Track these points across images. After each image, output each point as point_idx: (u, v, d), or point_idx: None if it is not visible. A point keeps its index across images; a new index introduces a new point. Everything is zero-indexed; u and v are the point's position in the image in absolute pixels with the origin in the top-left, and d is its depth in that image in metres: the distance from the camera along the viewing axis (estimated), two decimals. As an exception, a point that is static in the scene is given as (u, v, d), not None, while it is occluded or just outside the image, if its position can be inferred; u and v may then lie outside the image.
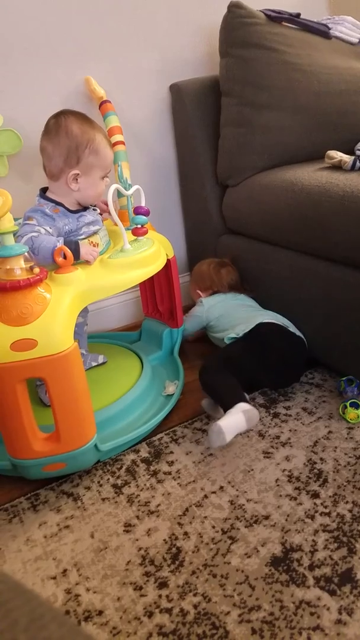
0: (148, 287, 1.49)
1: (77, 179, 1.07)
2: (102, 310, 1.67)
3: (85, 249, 1.03)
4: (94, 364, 1.30)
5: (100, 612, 0.77)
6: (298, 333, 1.26)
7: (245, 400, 1.05)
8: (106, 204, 1.10)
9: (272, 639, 0.70)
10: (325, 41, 1.48)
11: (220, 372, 1.14)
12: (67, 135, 1.06)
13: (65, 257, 0.95)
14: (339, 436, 1.08)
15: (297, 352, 1.24)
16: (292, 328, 1.27)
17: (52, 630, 0.21)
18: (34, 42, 1.34)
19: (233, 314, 1.35)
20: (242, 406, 1.03)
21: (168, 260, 1.28)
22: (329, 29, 1.50)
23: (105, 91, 1.42)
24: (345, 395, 1.17)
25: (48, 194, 1.11)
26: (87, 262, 1.03)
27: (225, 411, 1.04)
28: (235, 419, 1.00)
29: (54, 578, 0.83)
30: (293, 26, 1.44)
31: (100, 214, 1.20)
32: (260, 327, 1.23)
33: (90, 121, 1.10)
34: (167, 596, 0.78)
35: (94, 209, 1.17)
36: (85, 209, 1.14)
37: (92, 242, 1.09)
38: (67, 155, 1.06)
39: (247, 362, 1.18)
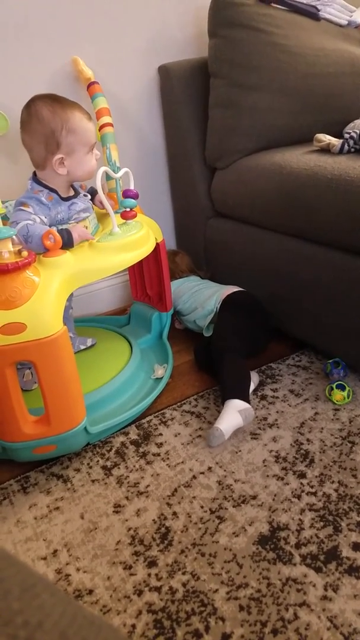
0: (137, 271, 1.49)
1: (63, 163, 1.06)
2: (91, 294, 1.66)
3: (77, 232, 1.02)
4: (82, 347, 1.30)
5: (90, 591, 0.78)
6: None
7: (243, 397, 1.07)
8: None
9: (259, 615, 0.72)
10: (314, 23, 1.47)
11: (225, 357, 1.17)
12: (40, 122, 1.03)
13: (54, 240, 0.94)
14: (325, 417, 1.09)
15: (263, 314, 1.33)
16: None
17: (45, 599, 0.21)
18: (20, 23, 1.31)
19: (196, 294, 1.42)
20: (238, 405, 1.05)
21: (157, 244, 1.27)
22: (318, 10, 1.48)
23: (93, 72, 1.39)
24: (331, 377, 1.19)
25: (40, 179, 1.09)
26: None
27: (223, 400, 1.07)
28: (233, 419, 1.04)
29: (45, 558, 0.84)
30: (282, 7, 1.42)
31: (92, 200, 1.19)
32: (227, 300, 1.32)
33: (60, 101, 1.06)
34: (157, 575, 0.79)
35: (84, 195, 1.16)
36: (76, 195, 1.13)
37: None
38: (46, 143, 1.04)
39: (239, 331, 1.25)
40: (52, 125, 1.03)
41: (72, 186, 1.14)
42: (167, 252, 1.56)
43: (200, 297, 1.39)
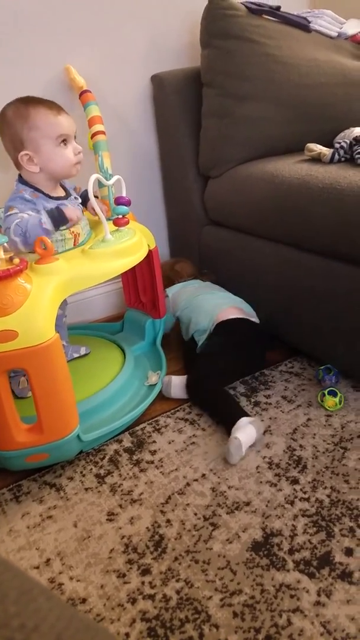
0: (130, 278, 1.49)
1: (31, 159, 1.05)
2: (85, 302, 1.66)
3: (69, 210, 1.03)
4: (75, 355, 1.29)
5: (83, 600, 0.78)
6: (254, 319, 1.32)
7: (246, 414, 1.08)
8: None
9: (253, 621, 0.72)
10: (305, 34, 1.49)
11: (213, 389, 1.18)
12: (5, 124, 1.05)
13: (45, 247, 0.94)
14: (318, 423, 1.10)
15: (258, 342, 1.31)
16: (249, 311, 1.34)
17: (41, 603, 0.22)
18: (13, 29, 1.32)
19: (194, 302, 1.38)
20: (246, 419, 1.06)
21: (150, 250, 1.28)
22: (309, 22, 1.51)
23: (86, 80, 1.40)
24: (323, 384, 1.19)
25: (25, 179, 1.10)
26: (73, 221, 1.05)
27: (229, 427, 1.06)
28: (248, 432, 1.03)
29: (37, 567, 0.84)
30: (273, 19, 1.44)
31: (82, 204, 1.19)
32: (222, 326, 1.27)
33: (27, 100, 1.05)
34: (150, 582, 0.79)
35: (75, 198, 1.16)
36: (67, 197, 1.13)
37: (73, 232, 1.09)
38: (12, 142, 1.05)
39: (227, 362, 1.24)
40: (14, 124, 1.03)
41: (63, 187, 1.15)
42: (168, 261, 1.57)
43: (197, 310, 1.35)
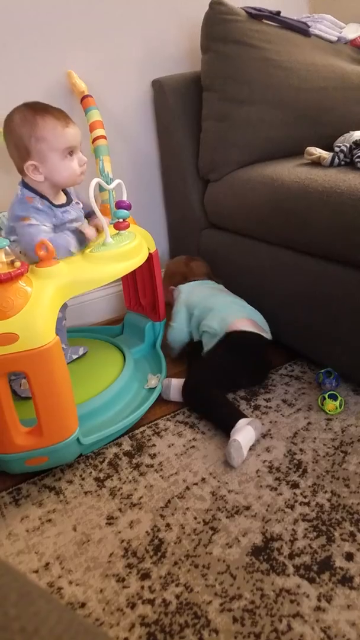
0: (130, 281, 1.49)
1: (37, 169, 1.04)
2: (85, 304, 1.66)
3: (89, 231, 1.09)
4: (74, 356, 1.29)
5: (83, 604, 0.77)
6: (267, 335, 1.28)
7: (243, 416, 1.08)
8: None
9: (253, 627, 0.71)
10: (304, 39, 1.49)
11: (210, 393, 1.17)
12: (11, 130, 1.03)
13: (47, 250, 0.94)
14: (318, 427, 1.10)
15: (266, 361, 1.30)
16: (264, 326, 1.29)
17: (41, 606, 0.21)
18: (14, 34, 1.33)
19: (209, 304, 1.32)
20: (244, 421, 1.06)
21: (150, 254, 1.28)
22: (309, 27, 1.51)
23: (88, 85, 1.41)
24: (323, 387, 1.19)
25: (28, 184, 1.09)
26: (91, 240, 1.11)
27: (228, 430, 1.06)
28: (247, 433, 1.03)
29: (37, 571, 0.83)
30: (273, 24, 1.45)
31: (83, 209, 1.19)
32: (234, 336, 1.23)
33: (35, 108, 1.03)
34: (150, 587, 0.79)
35: (77, 203, 1.16)
36: (69, 203, 1.13)
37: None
38: (18, 150, 1.04)
39: (228, 373, 1.22)
40: (21, 133, 1.02)
41: (66, 193, 1.15)
42: (182, 258, 1.52)
43: (210, 312, 1.29)
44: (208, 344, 1.27)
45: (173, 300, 1.43)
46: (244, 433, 1.03)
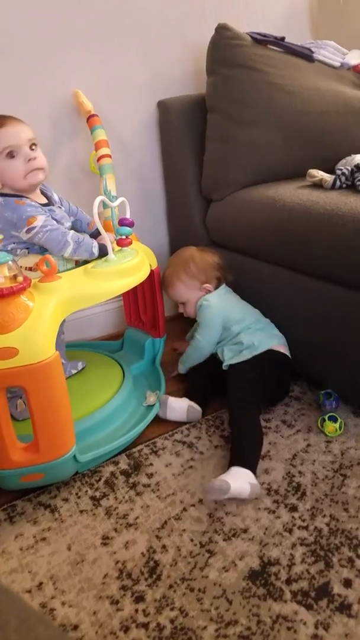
0: (131, 297, 1.50)
1: None
2: (85, 319, 1.66)
3: (106, 242, 1.10)
4: (74, 371, 1.29)
5: (75, 627, 0.76)
6: (288, 353, 1.26)
7: (255, 472, 1.00)
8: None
9: (248, 653, 0.70)
10: (308, 64, 1.52)
11: (249, 410, 1.11)
12: None
13: (49, 265, 0.95)
14: (318, 449, 1.09)
15: (289, 378, 1.28)
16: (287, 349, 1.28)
17: (40, 632, 0.21)
18: (22, 53, 1.35)
19: (248, 315, 1.27)
20: (251, 477, 0.98)
21: (152, 270, 1.29)
22: (312, 52, 1.54)
23: (94, 105, 1.43)
24: (323, 409, 1.18)
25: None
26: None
27: (236, 461, 1.00)
28: (243, 486, 0.95)
29: (29, 591, 0.82)
30: (278, 49, 1.48)
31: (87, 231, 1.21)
32: (270, 353, 1.22)
33: None
34: (144, 610, 0.77)
35: (59, 207, 1.17)
36: (50, 204, 1.14)
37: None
38: None
39: (267, 384, 1.20)
40: None
41: (46, 195, 1.16)
42: (210, 250, 1.38)
43: (250, 331, 1.25)
44: (234, 357, 1.22)
45: (193, 312, 1.33)
46: (239, 484, 0.94)
